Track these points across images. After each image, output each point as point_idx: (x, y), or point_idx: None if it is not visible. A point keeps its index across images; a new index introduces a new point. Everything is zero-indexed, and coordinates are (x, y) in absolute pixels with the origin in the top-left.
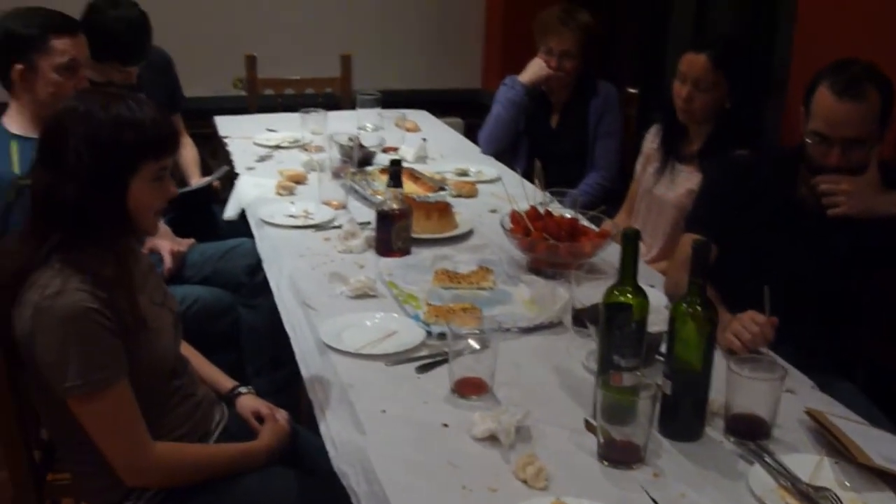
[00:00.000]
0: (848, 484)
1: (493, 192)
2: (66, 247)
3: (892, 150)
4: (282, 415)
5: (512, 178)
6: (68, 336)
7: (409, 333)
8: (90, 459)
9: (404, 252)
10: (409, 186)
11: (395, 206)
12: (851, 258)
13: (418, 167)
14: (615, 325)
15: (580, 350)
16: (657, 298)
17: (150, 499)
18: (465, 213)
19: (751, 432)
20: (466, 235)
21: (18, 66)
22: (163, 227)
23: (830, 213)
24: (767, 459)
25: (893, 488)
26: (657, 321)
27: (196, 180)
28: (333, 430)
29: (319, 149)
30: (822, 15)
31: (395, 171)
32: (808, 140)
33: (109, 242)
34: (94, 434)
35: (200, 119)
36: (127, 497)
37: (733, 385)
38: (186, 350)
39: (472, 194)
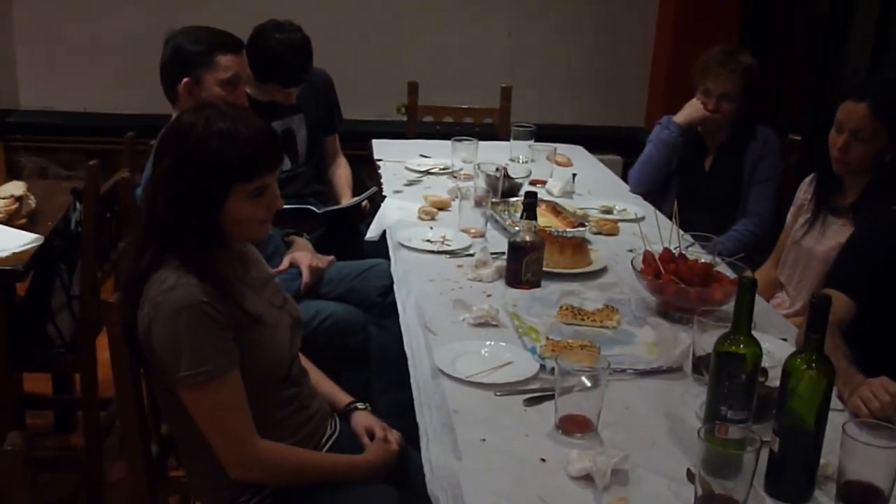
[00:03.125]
0: None
1: (634, 231)
2: (180, 248)
3: None
4: (394, 435)
5: (654, 218)
6: (181, 327)
7: (523, 365)
8: (203, 457)
9: (533, 285)
10: (549, 220)
11: (527, 238)
12: None
13: (563, 201)
14: (725, 375)
15: (696, 399)
16: (787, 353)
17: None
18: (602, 250)
19: (864, 501)
20: (599, 273)
21: (185, 80)
22: (304, 241)
23: None
24: None
25: None
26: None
27: (346, 200)
28: (433, 453)
29: (468, 177)
30: None
31: (530, 203)
32: None
33: (217, 244)
34: (202, 424)
35: (361, 141)
36: (236, 500)
37: (848, 450)
38: (306, 364)
39: (612, 232)
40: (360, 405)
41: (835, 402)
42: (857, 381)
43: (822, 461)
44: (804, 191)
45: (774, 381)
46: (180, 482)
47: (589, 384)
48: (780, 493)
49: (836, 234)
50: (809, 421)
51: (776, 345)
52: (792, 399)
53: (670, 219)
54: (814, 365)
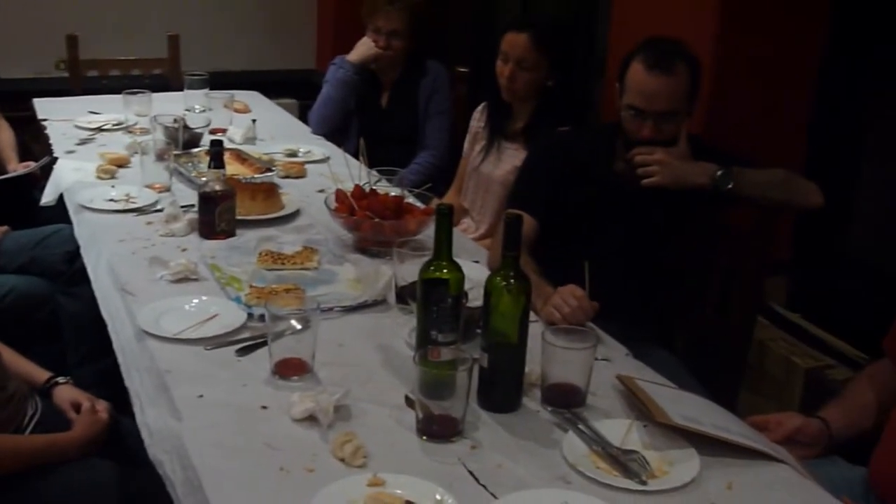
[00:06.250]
0: (653, 444)
1: (321, 172)
2: None
3: (698, 125)
4: (102, 405)
5: (340, 157)
6: None
7: (230, 316)
8: None
9: (228, 234)
10: (235, 168)
11: (217, 187)
12: (666, 228)
13: (246, 148)
14: (432, 301)
15: (404, 328)
16: (482, 274)
17: None
18: (293, 193)
19: (566, 401)
20: (293, 216)
21: None
22: None
23: (645, 183)
24: (581, 426)
25: (696, 445)
26: (481, 296)
27: (13, 165)
28: (149, 417)
29: (144, 131)
30: None
31: (217, 153)
32: (624, 114)
33: None
34: None
35: (21, 102)
36: None
37: (548, 355)
38: None
39: (300, 175)
40: (60, 379)
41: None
42: (548, 291)
43: (526, 370)
44: (477, 119)
45: (474, 301)
46: None
47: (300, 326)
48: (493, 405)
49: (512, 158)
50: (513, 334)
51: (470, 267)
52: (495, 316)
53: (356, 156)
54: (512, 281)
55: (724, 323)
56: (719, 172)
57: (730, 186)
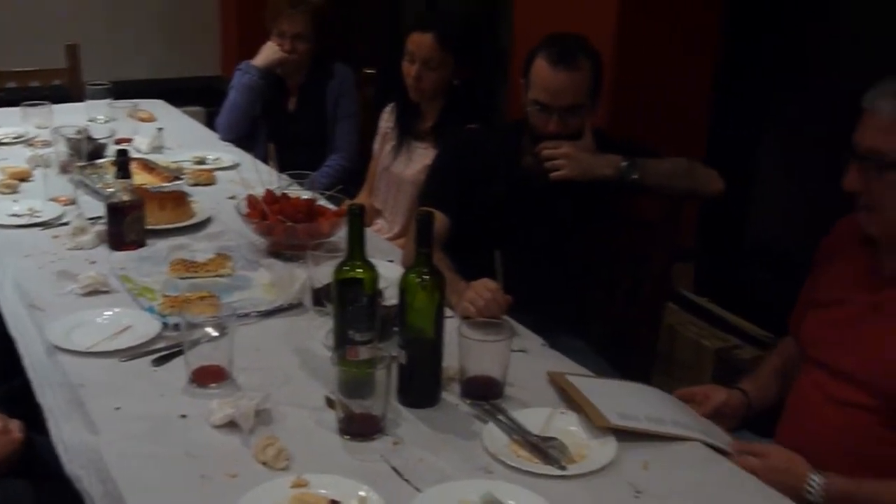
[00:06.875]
0: (572, 430)
1: (231, 178)
2: None
3: (602, 118)
4: (15, 424)
5: (250, 163)
6: None
7: (144, 327)
8: None
9: (138, 244)
10: (143, 177)
11: (124, 197)
12: (576, 220)
13: (153, 157)
14: (347, 301)
15: (320, 330)
16: (397, 273)
17: None
18: (203, 201)
19: (485, 393)
20: (204, 224)
21: None
22: None
23: (553, 176)
24: (500, 417)
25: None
26: (396, 295)
27: None
28: (65, 433)
29: (45, 144)
30: None
31: (122, 162)
32: (529, 110)
33: None
34: None
35: None
36: None
37: (465, 349)
38: None
39: (210, 182)
40: None
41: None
42: (462, 286)
43: (445, 365)
44: (385, 120)
45: (390, 300)
46: None
47: (216, 333)
48: (413, 401)
49: (422, 157)
50: (429, 330)
51: (385, 266)
52: (411, 313)
53: (266, 162)
54: (426, 277)
55: (635, 310)
56: (624, 163)
57: (635, 177)
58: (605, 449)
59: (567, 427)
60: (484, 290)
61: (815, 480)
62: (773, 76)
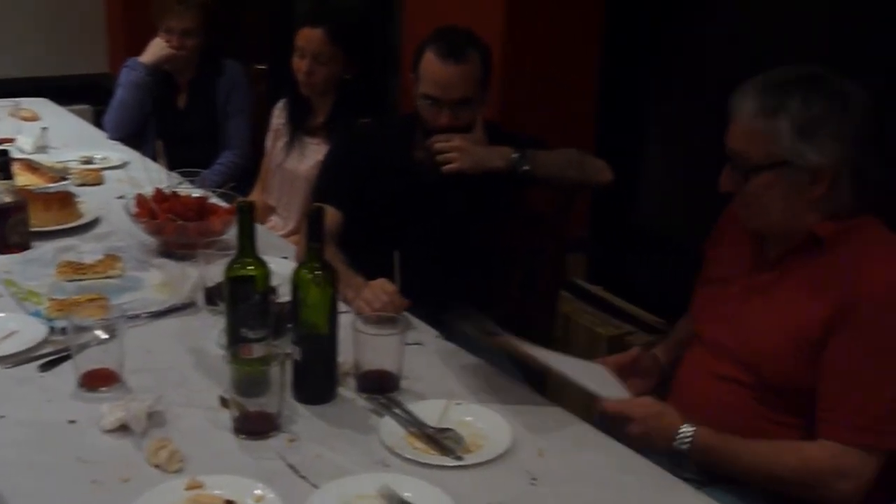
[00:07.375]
0: (468, 421)
1: (120, 178)
2: None
3: (491, 111)
4: None
5: (139, 162)
6: None
7: (30, 332)
8: None
9: (23, 247)
10: (28, 178)
11: (7, 199)
12: (469, 213)
13: (38, 157)
14: (239, 299)
15: (213, 329)
16: (291, 270)
17: None
18: (90, 201)
19: (380, 387)
20: (92, 224)
21: None
22: None
23: (445, 169)
24: (396, 410)
25: (508, 417)
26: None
27: None
28: None
29: None
30: None
31: (4, 163)
32: (420, 103)
33: None
34: None
35: None
36: None
37: (360, 343)
38: None
39: (97, 182)
40: None
41: (341, 305)
42: (358, 282)
43: (340, 360)
44: (277, 116)
45: (283, 297)
46: None
47: (106, 336)
48: (309, 397)
49: (314, 153)
50: (323, 325)
51: (279, 263)
52: (304, 308)
53: (155, 160)
54: (318, 273)
55: (530, 300)
56: (515, 155)
57: (526, 168)
58: (501, 438)
59: (462, 418)
60: (381, 291)
61: (685, 429)
62: (658, 67)
